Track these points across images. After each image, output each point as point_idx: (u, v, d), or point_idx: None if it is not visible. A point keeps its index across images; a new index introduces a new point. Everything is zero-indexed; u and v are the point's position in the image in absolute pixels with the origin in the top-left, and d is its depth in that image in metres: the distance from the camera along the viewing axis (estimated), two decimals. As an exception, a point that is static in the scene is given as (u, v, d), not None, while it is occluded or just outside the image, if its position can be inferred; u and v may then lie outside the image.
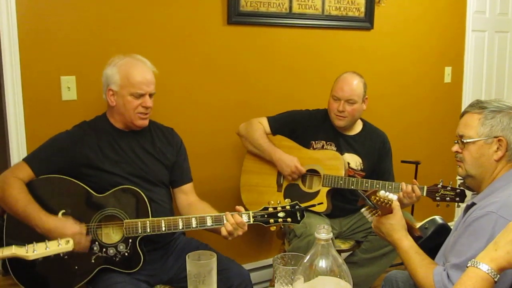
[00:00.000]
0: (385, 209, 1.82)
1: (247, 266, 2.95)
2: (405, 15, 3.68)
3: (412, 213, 3.33)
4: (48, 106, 2.57)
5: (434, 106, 3.97)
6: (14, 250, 1.65)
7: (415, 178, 3.13)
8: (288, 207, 2.08)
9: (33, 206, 2.01)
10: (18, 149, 2.50)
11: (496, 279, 1.28)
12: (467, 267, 1.32)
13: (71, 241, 1.70)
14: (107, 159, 2.19)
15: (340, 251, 2.79)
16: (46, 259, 1.92)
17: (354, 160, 2.79)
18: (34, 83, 2.52)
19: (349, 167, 2.77)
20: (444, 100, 4.00)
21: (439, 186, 2.51)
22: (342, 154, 2.76)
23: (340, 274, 1.20)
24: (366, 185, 2.64)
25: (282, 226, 2.09)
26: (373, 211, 1.84)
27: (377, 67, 3.60)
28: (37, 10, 2.50)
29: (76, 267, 2.03)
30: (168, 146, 2.37)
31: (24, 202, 2.02)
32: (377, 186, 2.62)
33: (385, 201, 1.79)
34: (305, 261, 1.24)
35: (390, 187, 2.60)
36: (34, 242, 1.68)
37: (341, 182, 2.66)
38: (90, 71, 2.56)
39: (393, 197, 1.81)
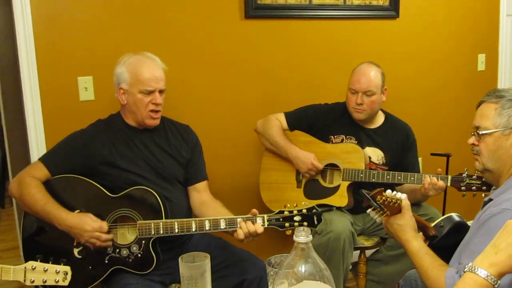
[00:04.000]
0: (393, 208, 1.73)
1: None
2: (433, 2, 3.53)
3: (444, 207, 3.19)
4: (66, 107, 2.60)
5: (468, 95, 3.79)
6: (12, 275, 1.65)
7: (446, 171, 3.00)
8: (304, 211, 1.99)
9: (52, 204, 2.04)
10: (37, 151, 2.55)
11: (496, 285, 1.17)
12: (464, 272, 1.22)
13: (69, 274, 1.69)
14: (121, 157, 2.19)
15: (364, 248, 2.71)
16: (60, 259, 1.89)
17: (375, 154, 2.70)
18: (51, 84, 2.56)
19: (370, 161, 2.68)
20: (478, 89, 3.80)
21: (464, 175, 2.41)
22: (363, 148, 2.66)
23: (322, 279, 1.14)
24: (388, 177, 2.55)
25: None
26: (380, 212, 1.75)
27: (405, 58, 3.48)
28: (52, 12, 2.53)
29: (90, 267, 2.05)
30: (183, 143, 2.35)
31: (43, 200, 2.05)
32: (399, 177, 2.53)
33: (393, 200, 1.70)
34: (285, 264, 1.19)
35: (412, 178, 2.51)
36: (35, 266, 1.67)
37: (361, 175, 2.58)
38: (107, 71, 2.52)
39: (402, 196, 1.73)
